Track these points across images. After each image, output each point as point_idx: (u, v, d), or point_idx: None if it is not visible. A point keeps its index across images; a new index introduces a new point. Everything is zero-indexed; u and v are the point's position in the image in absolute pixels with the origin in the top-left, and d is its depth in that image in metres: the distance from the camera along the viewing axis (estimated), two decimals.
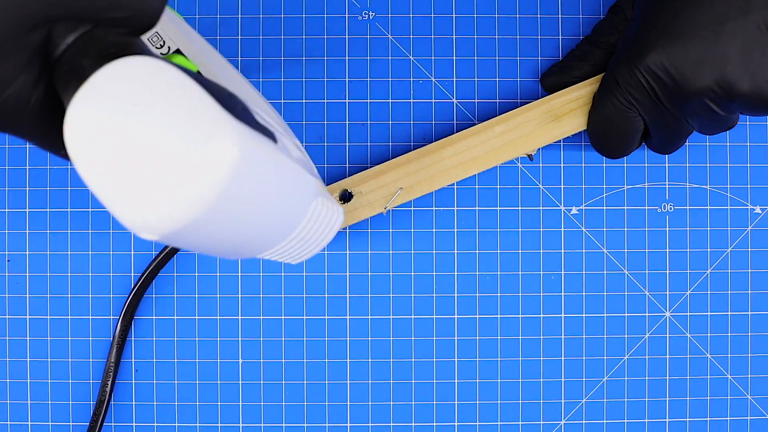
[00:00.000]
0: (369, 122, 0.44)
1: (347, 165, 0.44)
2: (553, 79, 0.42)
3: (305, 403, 0.44)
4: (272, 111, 0.33)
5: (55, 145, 0.28)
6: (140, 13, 0.26)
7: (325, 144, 0.44)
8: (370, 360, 0.44)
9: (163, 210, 0.24)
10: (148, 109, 0.24)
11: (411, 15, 0.44)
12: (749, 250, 0.45)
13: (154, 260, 0.43)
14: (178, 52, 0.34)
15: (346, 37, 0.44)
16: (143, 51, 0.26)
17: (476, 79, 0.44)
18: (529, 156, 0.41)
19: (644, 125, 0.39)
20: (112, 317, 0.44)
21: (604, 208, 0.44)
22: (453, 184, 0.44)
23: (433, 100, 0.44)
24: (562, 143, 0.44)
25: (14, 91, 0.26)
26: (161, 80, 0.24)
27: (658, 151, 0.41)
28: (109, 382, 0.43)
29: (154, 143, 0.24)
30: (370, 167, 0.42)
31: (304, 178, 0.30)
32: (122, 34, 0.26)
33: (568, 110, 0.41)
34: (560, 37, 0.44)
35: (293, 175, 0.29)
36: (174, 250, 0.43)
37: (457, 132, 0.42)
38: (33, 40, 0.26)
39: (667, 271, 0.45)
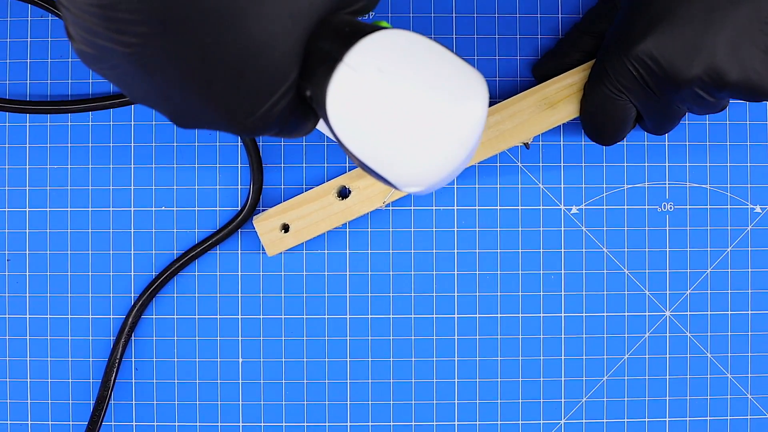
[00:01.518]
0: None
1: (347, 164, 0.44)
2: (545, 67, 0.43)
3: (305, 403, 0.44)
4: None
5: (295, 134, 0.30)
6: (370, 3, 0.29)
7: (325, 143, 0.44)
8: (370, 359, 0.44)
9: (435, 162, 0.27)
10: (405, 74, 0.26)
11: (411, 15, 0.45)
12: (749, 249, 0.45)
13: (178, 260, 0.43)
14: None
15: None
16: (367, 26, 0.28)
17: None
18: (526, 145, 0.42)
19: (636, 110, 0.39)
20: (112, 317, 0.44)
21: (604, 207, 0.44)
22: (453, 183, 0.44)
23: None
24: (561, 143, 0.44)
25: (279, 107, 0.27)
26: (411, 47, 0.27)
27: (653, 132, 0.42)
28: (112, 378, 0.43)
29: (418, 105, 0.26)
30: None
31: None
32: (346, 14, 0.28)
33: (562, 97, 0.41)
34: (560, 36, 0.44)
35: None
36: (196, 255, 0.43)
37: None
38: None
39: (667, 271, 0.45)
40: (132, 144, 0.44)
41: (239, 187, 0.44)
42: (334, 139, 0.28)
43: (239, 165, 0.44)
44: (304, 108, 0.29)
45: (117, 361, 0.43)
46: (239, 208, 0.44)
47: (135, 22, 0.24)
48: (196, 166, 0.44)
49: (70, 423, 0.44)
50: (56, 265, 0.44)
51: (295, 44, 0.26)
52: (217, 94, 0.26)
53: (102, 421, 0.42)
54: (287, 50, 0.26)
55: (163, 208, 0.44)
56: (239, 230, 0.44)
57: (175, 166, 0.44)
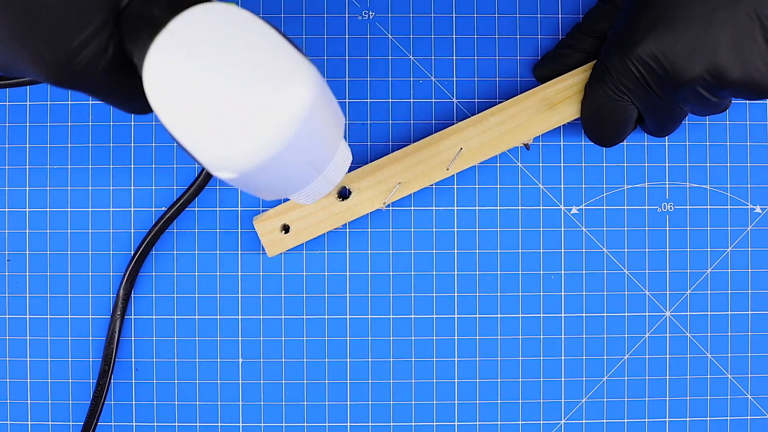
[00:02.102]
0: (369, 122, 0.44)
1: None
2: (546, 68, 0.42)
3: (305, 403, 0.44)
4: None
5: (122, 98, 0.29)
6: None
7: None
8: (370, 359, 0.44)
9: (247, 148, 0.25)
10: (229, 51, 0.25)
11: (411, 15, 0.44)
12: (749, 249, 0.45)
13: (160, 219, 0.43)
14: None
15: (346, 36, 0.44)
16: None
17: (476, 79, 0.44)
18: (526, 145, 0.42)
19: (638, 111, 0.39)
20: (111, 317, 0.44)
21: (604, 207, 0.44)
22: (453, 184, 0.44)
23: (433, 100, 0.44)
24: (562, 143, 0.44)
25: (90, 51, 0.26)
26: (241, 25, 0.25)
27: (654, 134, 0.42)
28: (113, 353, 0.43)
29: (236, 84, 0.25)
30: None
31: (341, 115, 0.31)
32: None
33: (563, 98, 0.41)
34: (560, 36, 0.44)
35: (338, 113, 0.30)
36: (176, 214, 0.43)
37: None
38: None
39: (667, 271, 0.45)
40: (132, 144, 0.44)
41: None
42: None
43: None
44: (134, 77, 0.28)
45: (115, 334, 0.43)
46: (239, 208, 0.44)
47: None
48: (196, 166, 0.44)
49: (70, 423, 0.44)
50: (56, 265, 0.44)
51: None
52: (12, 28, 0.26)
53: (104, 397, 0.42)
54: None
55: (163, 209, 0.44)
56: (238, 209, 0.44)
57: (175, 166, 0.44)
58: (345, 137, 0.43)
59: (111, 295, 0.44)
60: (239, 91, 0.25)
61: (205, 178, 0.43)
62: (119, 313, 0.43)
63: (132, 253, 0.44)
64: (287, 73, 0.25)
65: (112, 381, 0.44)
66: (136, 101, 0.30)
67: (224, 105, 0.25)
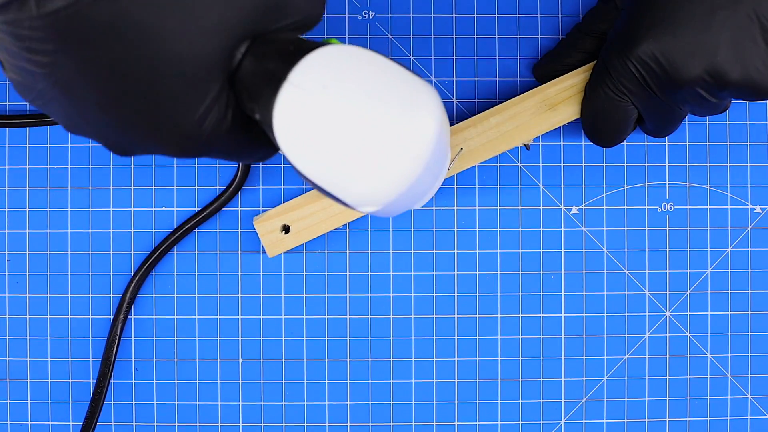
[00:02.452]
0: None
1: None
2: (546, 68, 0.43)
3: (305, 403, 0.44)
4: None
5: (246, 154, 0.29)
6: (308, 18, 0.27)
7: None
8: (370, 359, 0.44)
9: (389, 180, 0.26)
10: (352, 89, 0.25)
11: (411, 15, 0.44)
12: (749, 249, 0.45)
13: (171, 235, 0.43)
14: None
15: (346, 36, 0.44)
16: (311, 43, 0.27)
17: (476, 79, 0.44)
18: (526, 146, 0.42)
19: (637, 112, 0.39)
20: (112, 317, 0.44)
21: (604, 207, 0.44)
22: (453, 183, 0.44)
23: None
24: (562, 143, 0.44)
25: (212, 118, 0.26)
26: (356, 61, 0.26)
27: (653, 135, 0.42)
28: (113, 356, 0.43)
29: (368, 120, 0.25)
30: None
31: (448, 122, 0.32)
32: (289, 32, 0.27)
33: (562, 98, 0.41)
34: (560, 36, 0.44)
35: (447, 121, 0.31)
36: (186, 231, 0.43)
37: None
38: (233, 60, 0.26)
39: (667, 271, 0.45)
40: None
41: None
42: (289, 162, 0.27)
43: (239, 165, 0.44)
44: (254, 131, 0.28)
45: (117, 337, 0.43)
46: (239, 208, 0.44)
47: (40, 39, 0.24)
48: (196, 166, 0.44)
49: (70, 423, 0.44)
50: (56, 265, 0.44)
51: (208, 58, 0.25)
52: (134, 113, 0.26)
53: (104, 399, 0.42)
54: (200, 65, 0.25)
55: (163, 208, 0.44)
56: (238, 209, 0.44)
57: (175, 166, 0.44)
58: None
59: (111, 296, 0.44)
60: (372, 127, 0.25)
61: (238, 183, 0.43)
62: (122, 316, 0.43)
63: (133, 252, 0.44)
64: (414, 101, 0.26)
65: (112, 381, 0.44)
66: (258, 153, 0.30)
67: (360, 143, 0.25)
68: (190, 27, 0.24)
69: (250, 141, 0.29)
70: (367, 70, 0.26)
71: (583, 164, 0.44)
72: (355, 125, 0.25)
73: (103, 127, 0.27)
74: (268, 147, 0.30)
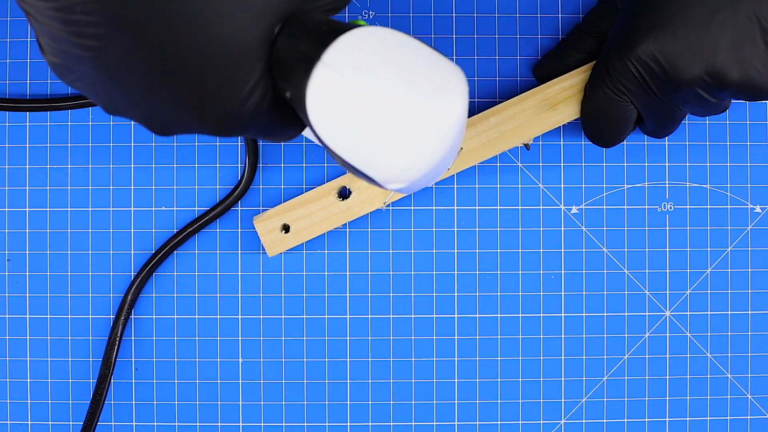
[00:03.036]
0: None
1: None
2: (546, 68, 0.43)
3: (305, 403, 0.44)
4: None
5: (277, 133, 0.30)
6: (339, 1, 0.28)
7: None
8: (370, 359, 0.44)
9: (418, 158, 0.27)
10: (384, 70, 0.26)
11: (411, 15, 0.45)
12: (749, 249, 0.45)
13: (173, 238, 0.43)
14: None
15: None
16: (343, 24, 0.28)
17: (476, 78, 0.45)
18: (526, 146, 0.42)
19: (637, 112, 0.39)
20: (112, 317, 0.44)
21: (604, 207, 0.44)
22: (453, 183, 0.44)
23: None
24: (562, 143, 0.44)
25: (254, 98, 0.27)
26: (388, 42, 0.27)
27: (653, 135, 0.42)
28: (113, 357, 0.43)
29: (398, 100, 0.26)
30: None
31: None
32: (321, 13, 0.28)
33: (562, 98, 0.41)
34: (560, 36, 0.44)
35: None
36: (192, 231, 0.44)
37: None
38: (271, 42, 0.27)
39: (667, 271, 0.45)
40: (132, 144, 0.44)
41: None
42: (317, 141, 0.28)
43: (239, 165, 0.44)
44: (285, 109, 0.29)
45: (118, 338, 0.43)
46: (239, 208, 0.44)
47: (92, 24, 0.24)
48: (197, 166, 0.44)
49: (70, 423, 0.44)
50: (56, 265, 0.44)
51: (255, 40, 0.26)
52: (181, 93, 0.26)
53: (104, 400, 0.42)
54: (247, 46, 0.26)
55: (163, 208, 0.44)
56: (239, 209, 0.44)
57: (175, 166, 0.44)
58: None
59: (111, 296, 0.44)
60: (403, 108, 0.26)
61: (247, 181, 0.43)
62: (123, 318, 0.43)
63: (133, 252, 0.44)
64: (444, 83, 0.27)
65: (112, 381, 0.44)
66: (289, 132, 0.31)
67: (389, 123, 0.26)
68: (238, 9, 0.25)
69: (284, 119, 0.29)
70: (398, 51, 0.27)
71: (583, 164, 0.44)
72: (387, 106, 0.26)
73: (148, 108, 0.27)
74: (297, 126, 0.31)
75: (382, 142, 0.26)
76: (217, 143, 0.44)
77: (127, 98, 0.27)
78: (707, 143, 0.45)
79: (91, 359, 0.44)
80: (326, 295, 0.44)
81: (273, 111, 0.28)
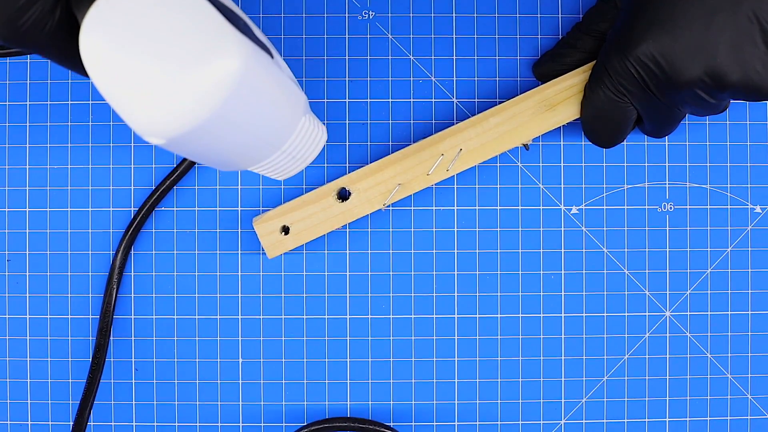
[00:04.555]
0: (369, 122, 0.44)
1: (347, 165, 0.44)
2: (546, 67, 0.42)
3: (305, 403, 0.44)
4: (263, 35, 0.34)
5: (73, 61, 0.30)
6: None
7: (326, 143, 0.44)
8: (370, 359, 0.44)
9: (172, 114, 0.26)
10: (160, 21, 0.26)
11: (411, 15, 0.44)
12: (749, 249, 0.45)
13: (154, 192, 0.43)
14: None
15: (346, 36, 0.44)
16: None
17: (476, 78, 0.44)
18: (526, 146, 0.42)
19: (637, 112, 0.39)
20: (112, 317, 0.44)
21: (604, 207, 0.44)
22: (453, 183, 0.44)
23: (433, 100, 0.44)
24: (562, 143, 0.44)
25: (36, 11, 0.27)
26: (190, 1, 0.26)
27: (652, 135, 0.42)
28: (109, 325, 0.43)
29: (163, 53, 0.26)
30: None
31: (297, 93, 0.32)
32: None
33: (562, 99, 0.41)
34: (560, 36, 0.44)
35: (287, 89, 0.31)
36: (173, 183, 0.44)
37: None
38: None
39: (667, 271, 0.45)
40: (132, 144, 0.44)
41: (239, 187, 0.44)
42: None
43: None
44: (76, 35, 0.29)
45: (112, 304, 0.43)
46: (239, 208, 0.44)
47: None
48: (196, 166, 0.44)
49: (70, 423, 0.44)
50: (56, 265, 0.44)
51: None
52: None
53: (101, 370, 0.42)
54: None
55: (163, 208, 0.44)
56: (238, 209, 0.44)
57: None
58: (323, 121, 0.44)
59: None
60: (165, 60, 0.26)
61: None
62: (115, 280, 0.43)
63: (133, 252, 0.44)
64: (213, 44, 0.26)
65: (112, 381, 0.44)
66: (81, 63, 0.31)
67: (150, 73, 0.26)
68: None
69: (75, 48, 0.29)
70: (180, 5, 0.26)
71: (583, 164, 0.44)
72: (149, 54, 0.26)
73: None
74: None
75: (138, 90, 0.26)
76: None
77: None
78: (707, 143, 0.45)
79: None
80: (326, 295, 0.44)
81: (63, 35, 0.28)
